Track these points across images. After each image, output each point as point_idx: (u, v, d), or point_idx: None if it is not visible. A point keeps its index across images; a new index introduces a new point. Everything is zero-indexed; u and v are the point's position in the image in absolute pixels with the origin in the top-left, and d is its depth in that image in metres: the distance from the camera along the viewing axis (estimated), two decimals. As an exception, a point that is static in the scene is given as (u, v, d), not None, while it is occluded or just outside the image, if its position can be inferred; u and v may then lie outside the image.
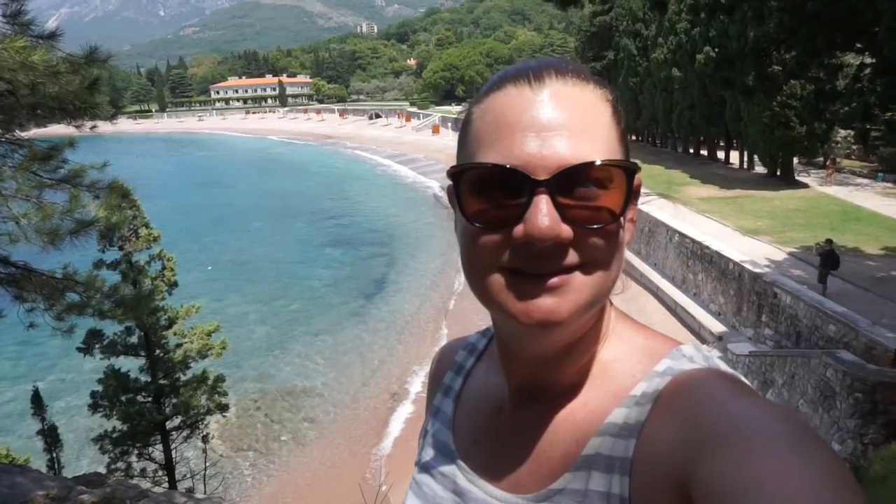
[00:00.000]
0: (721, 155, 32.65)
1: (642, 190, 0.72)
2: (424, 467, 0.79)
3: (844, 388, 9.61)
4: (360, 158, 62.99)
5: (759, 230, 18.05)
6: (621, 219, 0.58)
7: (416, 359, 17.62)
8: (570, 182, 0.55)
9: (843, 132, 26.40)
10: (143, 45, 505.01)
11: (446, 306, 21.50)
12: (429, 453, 0.79)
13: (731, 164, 31.32)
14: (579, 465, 0.61)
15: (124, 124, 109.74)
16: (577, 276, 0.57)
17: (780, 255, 15.57)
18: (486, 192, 0.58)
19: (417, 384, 16.09)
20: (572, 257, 0.57)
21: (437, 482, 0.75)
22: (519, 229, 0.56)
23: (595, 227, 0.56)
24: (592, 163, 0.56)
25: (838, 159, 27.20)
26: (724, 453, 0.46)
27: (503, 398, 0.72)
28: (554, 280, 0.56)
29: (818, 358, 10.37)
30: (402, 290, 23.97)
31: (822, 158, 27.30)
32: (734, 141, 30.37)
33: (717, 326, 14.87)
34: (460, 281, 23.84)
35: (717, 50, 23.16)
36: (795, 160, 25.94)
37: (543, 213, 0.54)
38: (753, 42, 8.95)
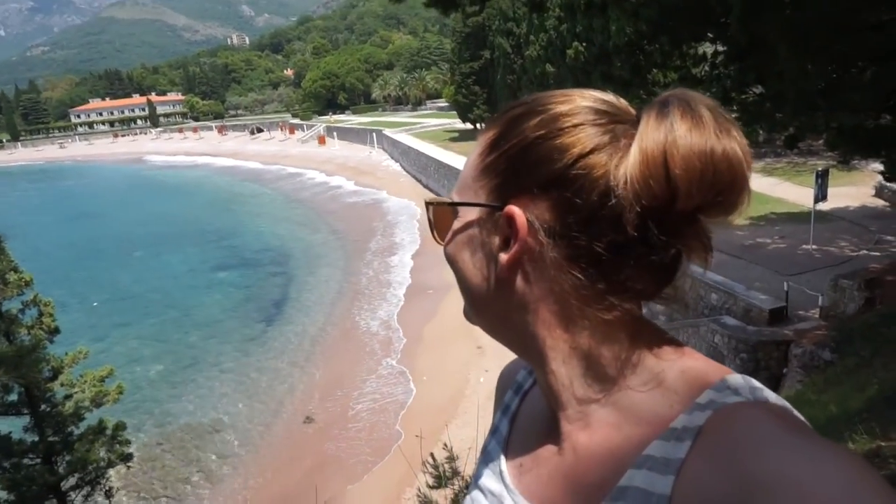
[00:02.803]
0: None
1: None
2: (478, 485, 0.79)
3: (731, 351, 10.47)
4: (245, 177, 60.60)
5: (641, 212, 19.26)
6: (449, 241, 0.71)
7: (329, 379, 17.22)
8: (435, 213, 0.73)
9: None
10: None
11: (352, 320, 21.20)
12: (482, 471, 0.80)
13: (609, 151, 33.20)
14: (615, 495, 0.59)
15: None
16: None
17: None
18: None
19: (331, 403, 15.74)
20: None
21: (487, 500, 0.76)
22: None
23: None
24: (432, 201, 0.73)
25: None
26: None
27: (548, 421, 0.72)
28: None
29: (706, 325, 11.22)
30: (304, 308, 23.29)
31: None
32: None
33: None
34: (363, 293, 23.63)
35: (584, 45, 24.45)
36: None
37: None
38: (625, 37, 9.56)
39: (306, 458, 13.55)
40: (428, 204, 0.73)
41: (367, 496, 11.12)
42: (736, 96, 9.14)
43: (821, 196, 13.75)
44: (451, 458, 5.00)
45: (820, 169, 14.16)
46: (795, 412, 0.57)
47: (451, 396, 14.43)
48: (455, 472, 4.91)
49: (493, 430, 0.85)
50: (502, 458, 0.78)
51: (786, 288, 11.32)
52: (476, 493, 0.79)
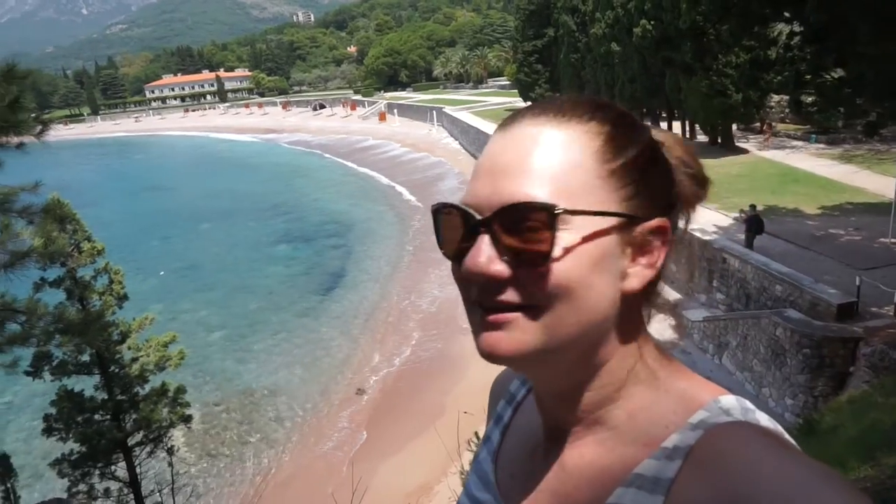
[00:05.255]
0: (664, 126, 33.41)
1: None
2: (468, 494, 0.80)
3: (793, 346, 10.04)
4: (306, 151, 61.84)
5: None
6: (556, 258, 0.56)
7: (380, 352, 17.56)
8: (510, 222, 0.56)
9: (775, 97, 27.30)
10: (66, 46, 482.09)
11: (408, 297, 21.44)
12: (473, 480, 0.81)
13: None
14: None
15: (55, 131, 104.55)
16: (521, 317, 0.57)
17: (726, 220, 16.07)
18: (451, 230, 0.61)
19: (383, 377, 16.06)
20: (510, 295, 0.57)
21: None
22: (462, 265, 0.59)
23: (531, 267, 0.56)
24: (516, 204, 0.56)
25: (774, 123, 28.18)
26: None
27: (540, 434, 0.72)
28: (495, 316, 0.58)
29: (768, 318, 10.79)
30: (362, 281, 23.78)
31: (758, 124, 28.22)
32: (675, 112, 31.07)
33: (671, 294, 15.13)
34: (416, 268, 23.84)
35: (652, 23, 23.55)
36: (734, 127, 26.74)
37: (479, 251, 0.57)
38: (690, 19, 9.15)
39: (355, 429, 13.92)
40: (540, 209, 0.56)
41: (408, 470, 11.29)
42: (811, 80, 8.64)
43: (903, 186, 12.90)
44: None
45: (903, 157, 13.27)
46: (786, 435, 0.56)
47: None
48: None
49: (486, 440, 0.84)
50: (493, 468, 0.78)
51: (858, 283, 10.70)
52: (465, 502, 0.79)
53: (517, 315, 0.57)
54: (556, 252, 0.56)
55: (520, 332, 0.57)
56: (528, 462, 0.73)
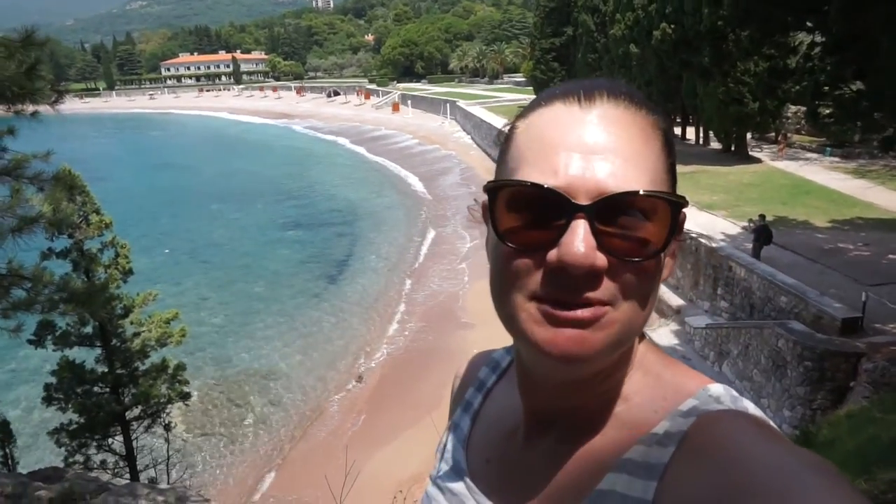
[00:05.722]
0: (678, 131, 33.19)
1: None
2: (437, 483, 0.78)
3: (795, 357, 10.00)
4: (318, 137, 61.87)
5: (715, 204, 18.48)
6: (661, 254, 0.55)
7: (381, 341, 17.60)
8: (612, 210, 0.53)
9: (792, 108, 27.11)
10: (86, 19, 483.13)
11: (412, 287, 21.47)
12: (442, 469, 0.79)
13: (688, 139, 31.87)
14: (594, 499, 0.59)
15: (70, 103, 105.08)
16: (609, 311, 0.54)
17: (734, 228, 15.99)
18: (523, 212, 0.56)
19: (381, 366, 16.11)
20: (605, 289, 0.54)
21: (445, 499, 0.75)
22: (553, 254, 0.53)
23: (633, 259, 0.54)
24: (636, 192, 0.53)
25: (789, 134, 27.97)
26: None
27: (518, 421, 0.71)
28: (584, 312, 0.53)
29: (770, 329, 10.75)
30: (366, 269, 23.81)
31: (773, 134, 28.02)
32: (690, 117, 30.89)
33: (675, 300, 15.24)
34: (420, 261, 23.84)
35: (672, 27, 23.40)
36: (749, 135, 26.56)
37: (580, 240, 0.52)
38: (710, 23, 9.07)
39: (352, 415, 13.98)
40: (676, 203, 0.55)
41: (402, 459, 11.32)
42: (830, 91, 8.56)
43: (916, 204, 12.79)
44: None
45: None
46: (772, 423, 0.56)
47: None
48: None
49: (453, 427, 0.83)
50: (463, 456, 0.77)
51: (864, 298, 10.63)
52: (433, 490, 0.78)
53: (606, 310, 0.54)
54: (664, 246, 0.55)
55: (605, 328, 0.54)
56: (506, 448, 0.72)
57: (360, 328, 18.74)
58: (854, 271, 12.69)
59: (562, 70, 44.55)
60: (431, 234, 27.09)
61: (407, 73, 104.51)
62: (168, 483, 10.30)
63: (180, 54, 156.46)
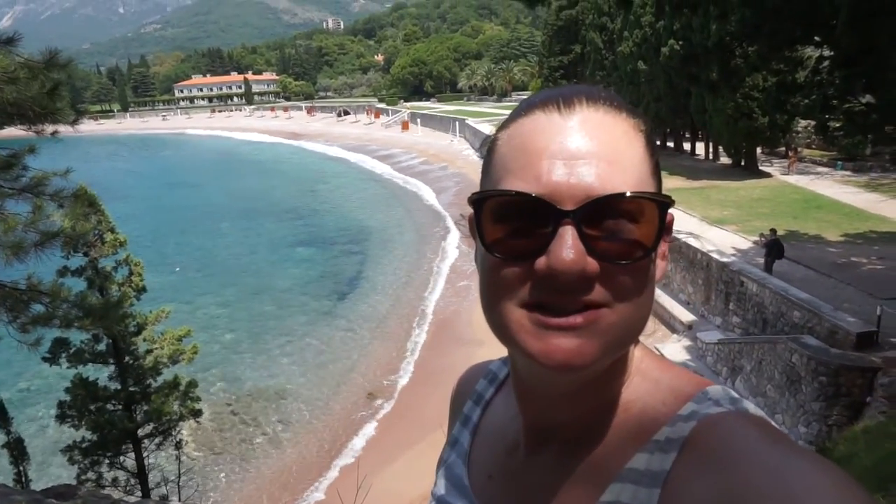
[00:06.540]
0: (687, 146, 33.20)
1: None
2: (438, 499, 0.77)
3: (809, 373, 9.88)
4: (329, 156, 62.37)
5: (725, 220, 18.42)
6: (652, 254, 0.55)
7: (391, 358, 17.58)
8: (599, 213, 0.52)
9: (803, 122, 27.08)
10: (102, 43, 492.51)
11: (421, 305, 21.47)
12: (443, 485, 0.77)
13: (697, 155, 31.86)
14: None
15: (86, 125, 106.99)
16: (604, 315, 0.53)
17: (745, 243, 15.91)
18: (509, 222, 0.55)
19: (392, 382, 16.07)
20: (598, 293, 0.53)
21: None
22: (542, 261, 0.53)
23: (624, 262, 0.53)
24: (622, 194, 0.53)
25: (799, 149, 27.89)
26: None
27: (519, 433, 0.69)
28: (577, 318, 0.53)
29: (784, 344, 10.63)
30: (376, 288, 23.84)
31: (783, 148, 27.97)
32: (699, 132, 30.90)
33: (686, 316, 15.14)
34: (435, 280, 23.86)
35: (681, 43, 23.51)
36: (759, 150, 26.52)
37: (568, 246, 0.51)
38: (717, 38, 9.13)
39: (363, 432, 13.92)
40: (662, 203, 0.55)
41: (412, 476, 11.26)
42: (839, 104, 8.56)
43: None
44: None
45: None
46: (772, 422, 0.55)
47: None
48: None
49: (453, 442, 0.81)
50: (465, 472, 0.76)
51: (879, 312, 10.51)
52: None
53: (600, 313, 0.53)
54: (654, 246, 0.54)
55: (601, 333, 0.53)
56: (508, 462, 0.70)
57: (370, 345, 18.74)
58: (868, 285, 12.57)
59: (570, 87, 44.84)
60: (441, 251, 27.13)
61: (416, 91, 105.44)
62: (179, 501, 10.30)
63: (193, 76, 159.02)
